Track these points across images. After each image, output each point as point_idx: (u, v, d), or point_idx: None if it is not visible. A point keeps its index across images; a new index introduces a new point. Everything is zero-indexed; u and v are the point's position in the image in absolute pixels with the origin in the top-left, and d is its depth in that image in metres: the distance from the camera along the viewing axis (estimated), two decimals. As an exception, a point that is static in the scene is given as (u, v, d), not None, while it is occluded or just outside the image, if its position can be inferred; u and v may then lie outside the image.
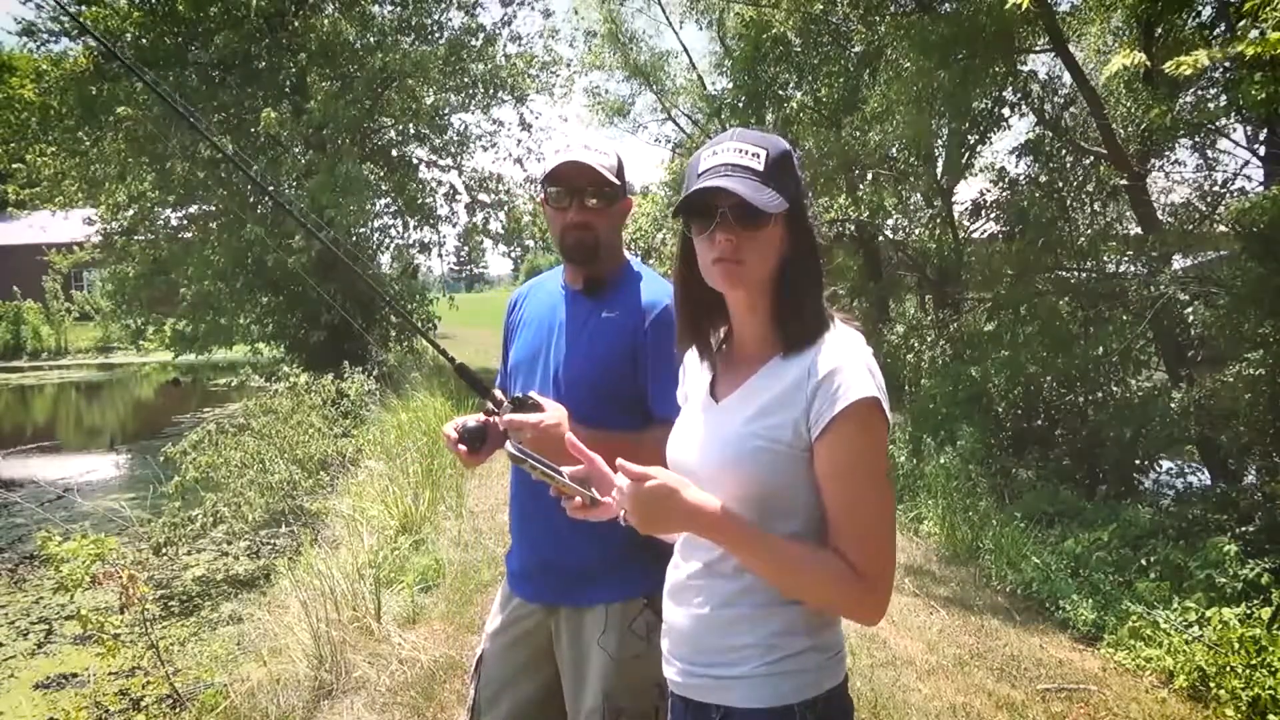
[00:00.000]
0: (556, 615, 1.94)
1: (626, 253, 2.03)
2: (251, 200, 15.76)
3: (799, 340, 1.32)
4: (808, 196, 1.37)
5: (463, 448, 1.91)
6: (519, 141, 18.47)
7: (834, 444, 1.26)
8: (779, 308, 1.34)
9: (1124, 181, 6.83)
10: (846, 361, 1.27)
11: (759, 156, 1.31)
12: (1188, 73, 3.76)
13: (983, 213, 8.86)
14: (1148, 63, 4.00)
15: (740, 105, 11.75)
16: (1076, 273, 7.70)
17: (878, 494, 1.28)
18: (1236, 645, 3.65)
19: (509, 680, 1.99)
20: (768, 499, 1.30)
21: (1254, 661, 3.55)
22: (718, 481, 1.32)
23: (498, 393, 1.93)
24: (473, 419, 1.94)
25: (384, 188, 17.15)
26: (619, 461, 1.29)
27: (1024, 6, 4.14)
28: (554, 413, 1.79)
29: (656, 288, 1.93)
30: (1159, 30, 6.29)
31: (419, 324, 17.08)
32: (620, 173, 1.93)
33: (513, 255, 23.06)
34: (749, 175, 1.29)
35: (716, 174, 1.30)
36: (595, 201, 1.89)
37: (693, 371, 1.52)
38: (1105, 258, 7.64)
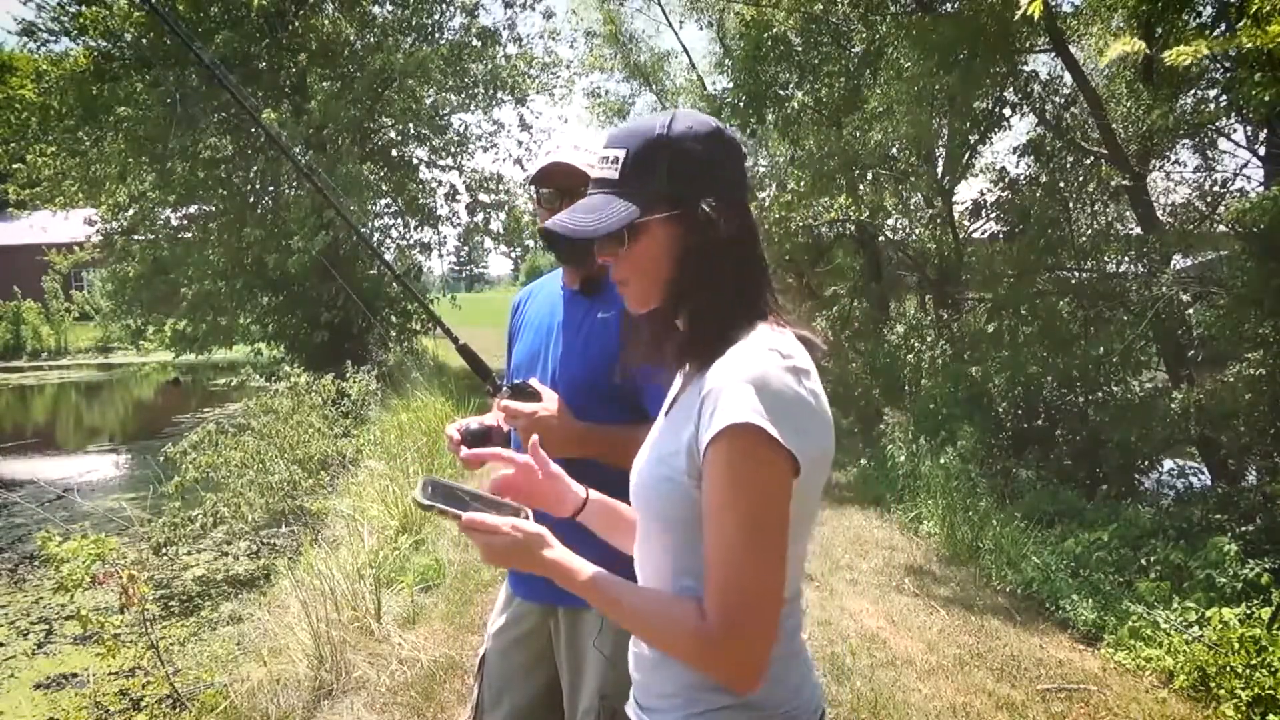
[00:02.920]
0: (554, 616, 1.94)
1: None
2: (252, 200, 15.78)
3: (696, 354, 1.17)
4: (705, 182, 1.16)
5: (465, 450, 1.91)
6: (519, 142, 18.49)
7: (708, 474, 1.08)
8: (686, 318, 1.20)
9: (1125, 182, 6.83)
10: (729, 378, 1.08)
11: (617, 161, 1.18)
12: (1186, 62, 3.75)
13: (983, 213, 8.87)
14: (1147, 49, 3.99)
15: (741, 105, 11.75)
16: (1077, 273, 7.71)
17: (750, 540, 1.05)
18: (1236, 645, 3.65)
19: (511, 680, 2.00)
20: (677, 536, 1.16)
21: (1254, 661, 3.55)
22: (639, 504, 1.23)
23: (498, 378, 1.96)
24: (475, 420, 1.95)
25: (384, 188, 17.16)
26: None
27: (1036, 16, 4.12)
28: (550, 402, 1.81)
29: None
30: (1159, 31, 6.30)
31: (419, 323, 17.19)
32: None
33: (513, 255, 23.12)
34: (600, 189, 1.20)
35: None
36: None
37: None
38: (1105, 258, 7.65)
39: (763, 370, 1.08)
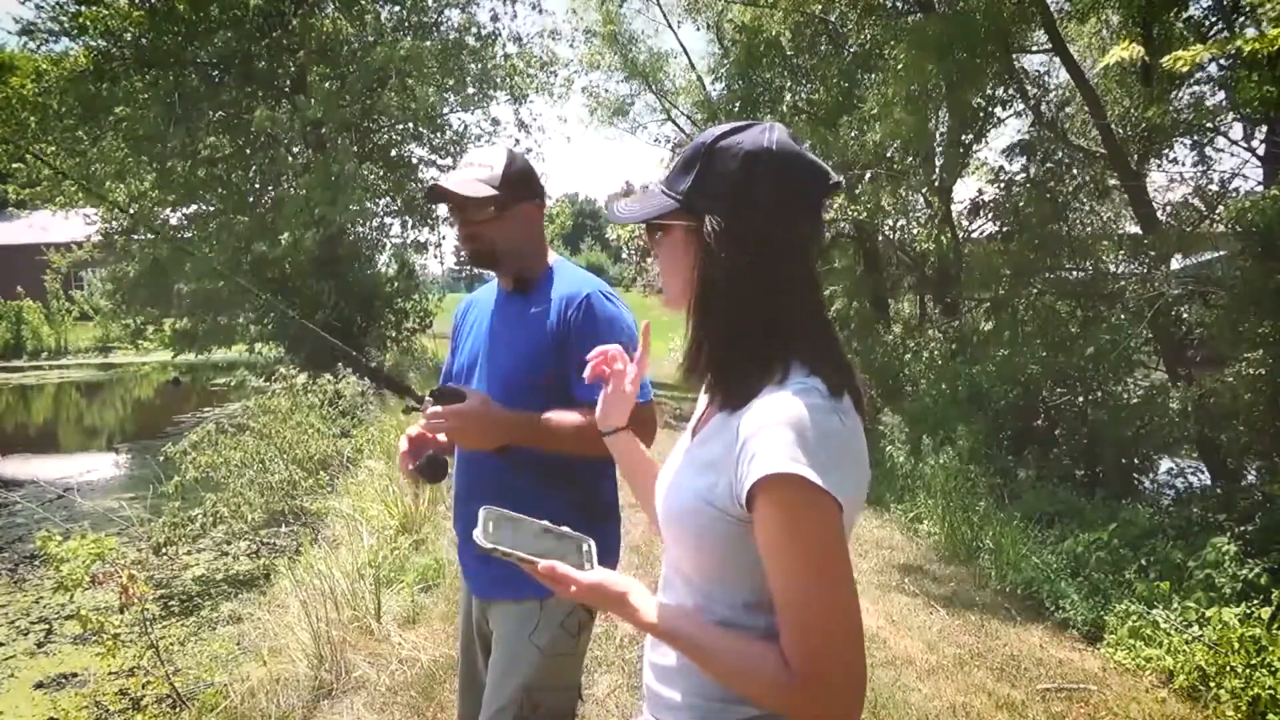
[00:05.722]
0: (493, 607, 2.00)
1: (551, 252, 2.10)
2: (251, 200, 15.77)
3: (725, 393, 1.13)
4: (728, 202, 1.11)
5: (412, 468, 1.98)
6: (516, 141, 18.40)
7: (759, 521, 1.05)
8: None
9: (1119, 182, 6.85)
10: (764, 425, 1.04)
11: (682, 155, 1.17)
12: (1185, 69, 3.77)
13: (980, 212, 8.88)
14: (1145, 56, 4.00)
15: (735, 110, 11.76)
16: (1075, 272, 7.71)
17: (816, 582, 1.04)
18: (1236, 645, 3.65)
19: (473, 672, 2.10)
20: (709, 561, 1.15)
21: (1254, 661, 3.55)
22: (670, 531, 1.20)
23: (419, 391, 2.04)
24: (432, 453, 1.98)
25: (383, 187, 17.16)
26: (558, 570, 1.16)
27: (1025, 1, 4.14)
28: (472, 400, 1.84)
29: (573, 278, 2.02)
30: (1156, 29, 6.31)
31: (416, 322, 17.25)
32: (507, 180, 1.97)
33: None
34: (661, 183, 1.19)
35: None
36: (486, 211, 1.97)
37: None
38: (1104, 257, 7.66)
39: (798, 412, 1.04)
